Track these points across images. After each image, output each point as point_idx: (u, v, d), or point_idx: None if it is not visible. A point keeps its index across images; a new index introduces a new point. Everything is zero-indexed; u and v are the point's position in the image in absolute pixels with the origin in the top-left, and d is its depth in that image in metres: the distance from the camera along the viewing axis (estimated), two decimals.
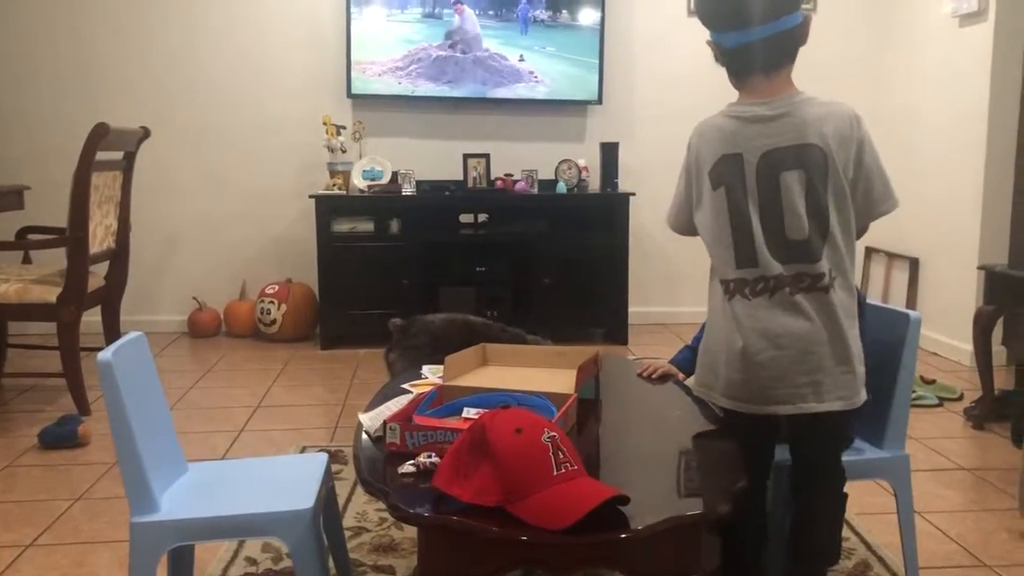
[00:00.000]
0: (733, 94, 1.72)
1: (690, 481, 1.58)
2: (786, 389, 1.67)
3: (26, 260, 4.00)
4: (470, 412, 1.62)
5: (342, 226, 4.55)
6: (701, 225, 1.75)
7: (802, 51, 1.69)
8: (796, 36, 1.66)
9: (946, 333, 4.32)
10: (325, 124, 4.67)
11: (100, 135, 3.34)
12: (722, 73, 1.72)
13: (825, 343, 1.65)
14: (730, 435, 1.72)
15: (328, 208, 4.52)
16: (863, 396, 1.72)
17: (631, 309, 4.76)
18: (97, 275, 3.72)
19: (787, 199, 1.62)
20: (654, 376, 2.19)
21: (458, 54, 4.78)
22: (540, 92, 4.87)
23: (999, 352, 3.98)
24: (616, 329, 4.70)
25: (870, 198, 1.67)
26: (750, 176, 1.64)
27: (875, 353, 1.80)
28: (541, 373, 2.03)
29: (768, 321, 1.66)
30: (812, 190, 1.62)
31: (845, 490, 1.86)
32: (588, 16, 4.83)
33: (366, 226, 4.58)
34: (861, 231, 1.72)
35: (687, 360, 2.24)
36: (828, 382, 1.67)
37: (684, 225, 1.82)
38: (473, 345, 2.06)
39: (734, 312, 1.69)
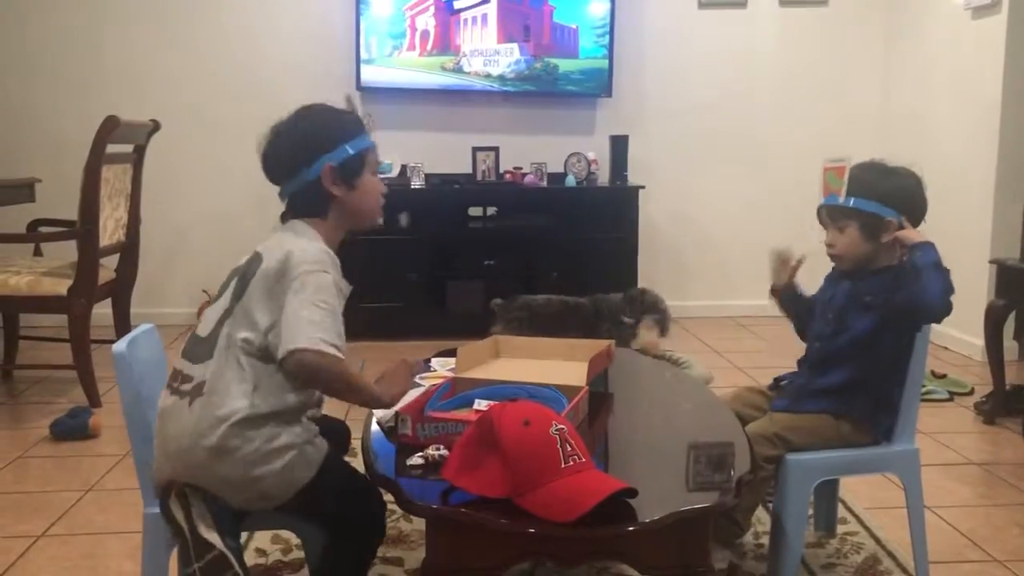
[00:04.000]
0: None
1: (698, 475, 1.58)
2: None
3: (37, 252, 4.01)
4: (481, 404, 1.62)
5: None
6: None
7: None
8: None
9: (957, 327, 4.29)
10: None
11: (110, 128, 3.34)
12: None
13: None
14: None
15: None
16: None
17: None
18: (107, 268, 3.73)
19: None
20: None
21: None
22: (549, 85, 4.86)
23: (1011, 347, 3.96)
24: None
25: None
26: None
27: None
28: (553, 365, 2.03)
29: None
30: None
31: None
32: (598, 8, 4.82)
33: None
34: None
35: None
36: None
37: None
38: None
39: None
